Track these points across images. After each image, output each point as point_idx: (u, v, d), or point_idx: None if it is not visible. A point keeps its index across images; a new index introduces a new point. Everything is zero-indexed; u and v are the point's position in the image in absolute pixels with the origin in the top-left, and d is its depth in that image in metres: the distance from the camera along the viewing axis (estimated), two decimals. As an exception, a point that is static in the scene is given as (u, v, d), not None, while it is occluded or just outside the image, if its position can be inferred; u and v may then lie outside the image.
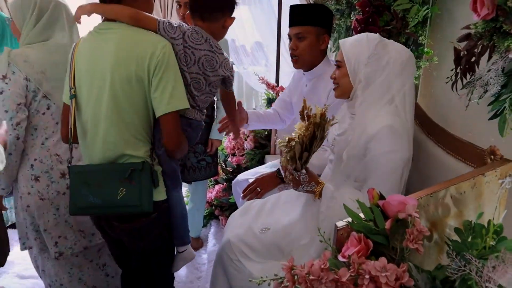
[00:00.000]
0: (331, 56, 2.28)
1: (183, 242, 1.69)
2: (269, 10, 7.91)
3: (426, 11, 1.61)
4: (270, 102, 3.20)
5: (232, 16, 1.58)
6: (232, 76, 1.61)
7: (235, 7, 1.58)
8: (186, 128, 1.56)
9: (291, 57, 2.04)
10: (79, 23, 1.57)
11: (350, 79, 1.49)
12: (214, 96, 1.65)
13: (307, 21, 1.95)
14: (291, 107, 2.29)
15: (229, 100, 1.77)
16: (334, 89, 1.58)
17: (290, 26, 2.02)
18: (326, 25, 1.99)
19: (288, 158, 1.38)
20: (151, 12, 1.51)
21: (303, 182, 1.46)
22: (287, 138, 1.37)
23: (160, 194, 1.54)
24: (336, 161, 1.56)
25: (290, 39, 2.02)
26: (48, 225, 1.91)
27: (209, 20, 1.53)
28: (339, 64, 1.54)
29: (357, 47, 1.49)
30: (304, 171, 1.44)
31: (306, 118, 1.34)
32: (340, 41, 1.54)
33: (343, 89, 1.54)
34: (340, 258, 0.97)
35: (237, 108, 1.90)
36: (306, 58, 2.01)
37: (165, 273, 1.71)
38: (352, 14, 2.47)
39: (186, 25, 1.54)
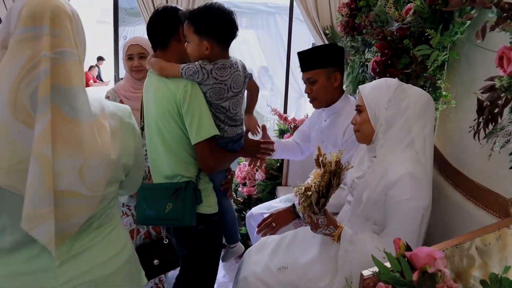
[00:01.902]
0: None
1: (234, 240, 1.94)
2: (276, 34, 7.99)
3: (445, 56, 1.64)
4: (282, 133, 3.23)
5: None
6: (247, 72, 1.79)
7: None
8: (227, 143, 1.73)
9: (309, 99, 2.08)
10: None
11: (372, 123, 1.52)
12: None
13: (314, 65, 2.00)
14: (310, 139, 2.32)
15: (254, 89, 1.95)
16: (355, 134, 1.61)
17: (301, 71, 2.07)
18: (334, 63, 2.01)
19: (305, 205, 1.40)
20: (183, 56, 1.64)
21: (321, 225, 1.47)
22: (303, 188, 1.39)
23: (210, 208, 1.72)
24: (355, 203, 1.57)
25: (305, 83, 2.06)
26: None
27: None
28: (360, 109, 1.57)
29: (377, 92, 1.53)
30: (322, 214, 1.45)
31: (321, 165, 1.36)
32: (360, 86, 1.58)
33: (365, 134, 1.56)
34: (368, 310, 0.98)
35: (261, 132, 2.04)
36: (323, 98, 2.05)
37: (202, 279, 1.85)
38: (366, 51, 2.52)
39: (208, 64, 1.58)
